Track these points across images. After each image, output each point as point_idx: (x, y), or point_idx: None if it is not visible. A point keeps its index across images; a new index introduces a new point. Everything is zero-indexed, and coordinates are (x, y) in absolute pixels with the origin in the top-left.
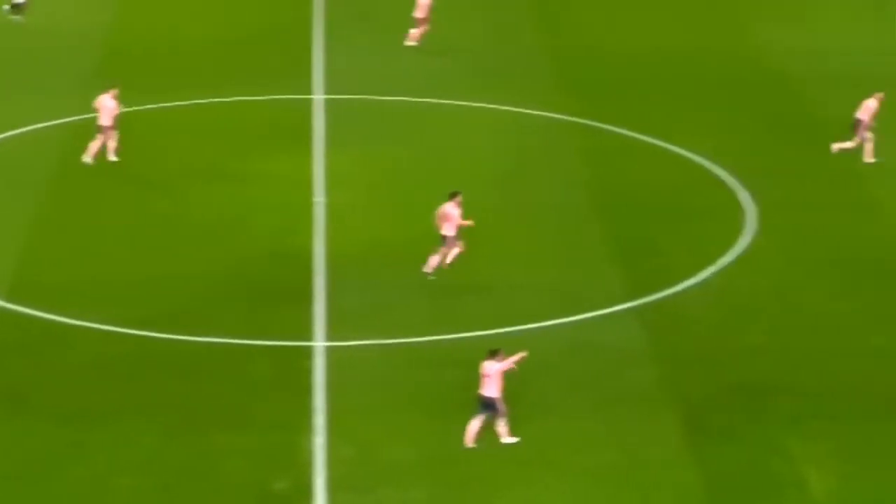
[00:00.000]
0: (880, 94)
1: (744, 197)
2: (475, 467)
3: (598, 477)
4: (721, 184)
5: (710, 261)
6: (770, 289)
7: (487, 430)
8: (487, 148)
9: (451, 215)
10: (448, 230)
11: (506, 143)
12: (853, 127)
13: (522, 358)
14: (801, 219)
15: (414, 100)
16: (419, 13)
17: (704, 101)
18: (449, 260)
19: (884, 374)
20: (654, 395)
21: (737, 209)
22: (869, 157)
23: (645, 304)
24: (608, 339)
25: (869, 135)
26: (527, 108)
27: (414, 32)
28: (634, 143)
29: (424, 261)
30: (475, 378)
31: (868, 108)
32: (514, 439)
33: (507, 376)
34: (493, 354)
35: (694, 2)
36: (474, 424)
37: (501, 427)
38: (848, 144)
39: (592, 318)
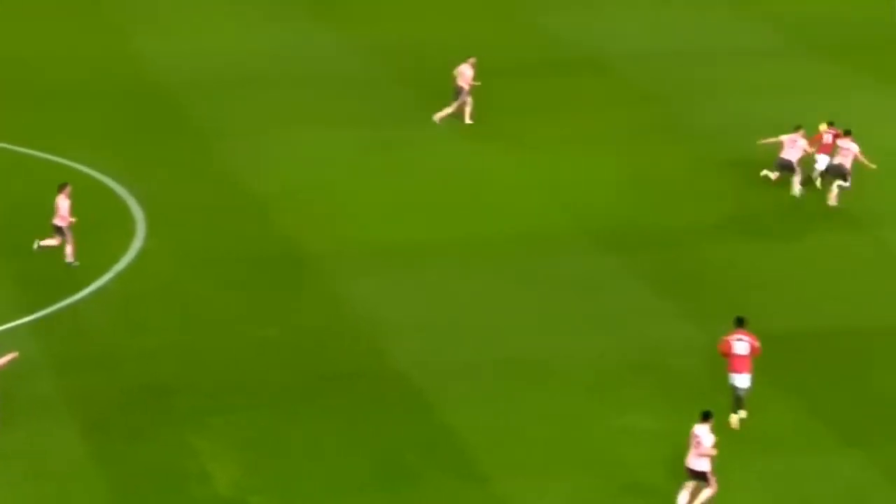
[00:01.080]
0: (472, 59)
1: (132, 203)
2: None
3: None
4: (109, 192)
5: (106, 268)
6: (163, 291)
7: None
8: None
9: (60, 207)
10: (59, 221)
11: None
12: (455, 93)
13: (13, 359)
14: (187, 221)
15: None
16: None
17: (84, 111)
18: (70, 254)
19: (276, 364)
20: (57, 405)
21: (127, 216)
22: (469, 119)
23: (44, 316)
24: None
25: (469, 99)
26: None
27: None
28: (17, 156)
29: None
30: None
31: (463, 74)
32: None
33: None
34: None
35: (75, 9)
36: None
37: None
38: (448, 110)
39: None
